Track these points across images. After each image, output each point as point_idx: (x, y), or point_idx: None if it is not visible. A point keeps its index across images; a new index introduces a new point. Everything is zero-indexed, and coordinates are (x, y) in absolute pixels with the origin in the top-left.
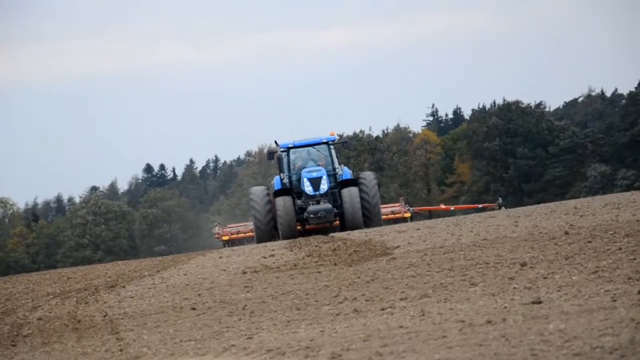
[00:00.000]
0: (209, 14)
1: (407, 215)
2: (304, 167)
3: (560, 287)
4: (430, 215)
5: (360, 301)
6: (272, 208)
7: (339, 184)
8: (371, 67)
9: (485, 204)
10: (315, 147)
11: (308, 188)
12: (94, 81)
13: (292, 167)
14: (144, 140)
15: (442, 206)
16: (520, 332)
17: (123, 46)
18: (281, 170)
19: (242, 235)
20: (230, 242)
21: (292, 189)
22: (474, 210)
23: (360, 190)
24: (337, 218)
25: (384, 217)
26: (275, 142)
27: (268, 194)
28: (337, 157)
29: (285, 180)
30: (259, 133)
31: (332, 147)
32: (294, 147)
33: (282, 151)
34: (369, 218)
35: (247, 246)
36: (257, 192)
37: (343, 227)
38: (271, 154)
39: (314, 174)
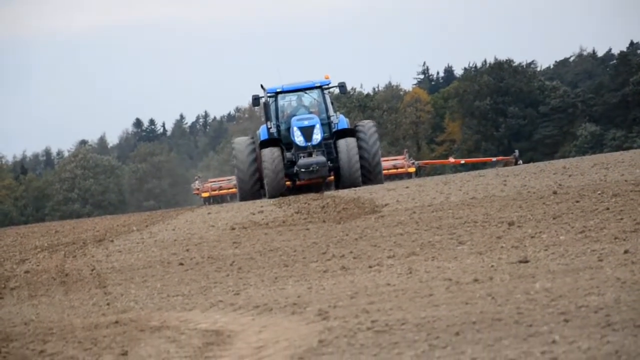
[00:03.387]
0: None
1: (412, 169)
2: (294, 115)
3: (547, 247)
4: (417, 173)
5: (348, 258)
6: (257, 161)
7: (333, 134)
8: (362, 24)
9: (500, 157)
10: (307, 92)
11: (299, 138)
12: (85, 34)
13: (280, 114)
14: (134, 95)
15: (452, 159)
16: (506, 291)
17: (117, 1)
18: (268, 119)
19: (225, 191)
20: (211, 199)
21: (280, 140)
22: (488, 164)
23: (359, 140)
24: (332, 173)
25: (385, 171)
26: (261, 86)
27: (253, 145)
28: (332, 103)
29: (273, 130)
30: (249, 89)
31: (326, 92)
32: (283, 91)
33: (270, 96)
34: (369, 172)
35: (234, 203)
36: (241, 142)
37: (338, 184)
38: (256, 99)
39: (306, 123)
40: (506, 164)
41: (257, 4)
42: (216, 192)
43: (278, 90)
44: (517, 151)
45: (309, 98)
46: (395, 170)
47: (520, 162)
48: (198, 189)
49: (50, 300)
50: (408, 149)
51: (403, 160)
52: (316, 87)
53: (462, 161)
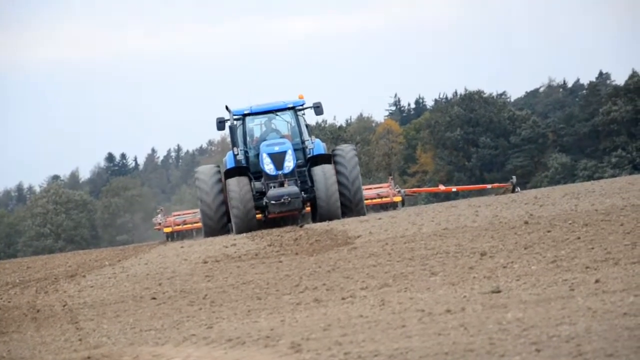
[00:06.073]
0: (168, 2)
1: (398, 199)
2: (264, 140)
3: (519, 277)
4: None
5: (320, 290)
6: (224, 192)
7: (308, 161)
8: (334, 56)
9: (495, 184)
10: (278, 113)
11: (268, 166)
12: (56, 69)
13: (249, 139)
14: (105, 129)
15: (442, 187)
16: (479, 321)
17: (86, 34)
18: (235, 144)
19: (189, 226)
20: (174, 235)
21: (248, 168)
22: (481, 191)
23: (337, 165)
24: (307, 205)
25: (367, 201)
26: (227, 108)
27: (219, 175)
28: (307, 126)
29: (240, 157)
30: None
31: (300, 113)
32: (251, 113)
33: (236, 119)
34: (349, 200)
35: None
36: (205, 171)
37: (315, 216)
38: (221, 123)
39: (276, 149)
40: (503, 192)
41: (227, 37)
42: (179, 227)
43: (246, 112)
44: (514, 177)
45: (281, 120)
46: (379, 200)
47: (518, 189)
48: (160, 224)
49: (22, 336)
50: (380, 180)
51: (388, 188)
52: (288, 108)
53: (454, 189)
